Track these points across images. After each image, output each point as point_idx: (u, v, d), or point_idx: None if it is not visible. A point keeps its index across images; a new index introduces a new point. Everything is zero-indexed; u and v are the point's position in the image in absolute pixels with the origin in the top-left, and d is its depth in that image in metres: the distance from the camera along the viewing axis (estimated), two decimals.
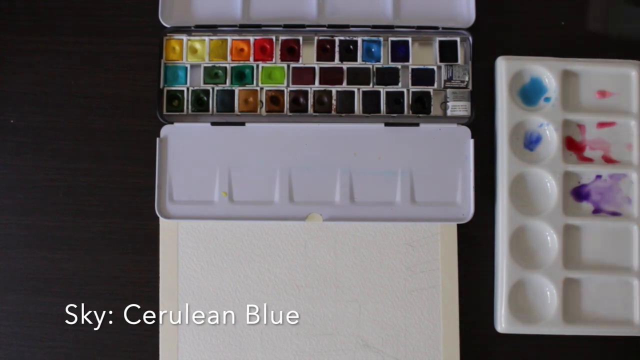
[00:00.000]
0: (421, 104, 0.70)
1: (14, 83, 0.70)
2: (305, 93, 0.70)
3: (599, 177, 0.69)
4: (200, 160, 0.69)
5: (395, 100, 0.70)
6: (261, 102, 0.70)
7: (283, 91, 0.70)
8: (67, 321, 0.69)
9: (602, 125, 0.69)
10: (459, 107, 0.69)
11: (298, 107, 0.70)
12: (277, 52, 0.70)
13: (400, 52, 0.70)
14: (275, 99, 0.70)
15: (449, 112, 0.69)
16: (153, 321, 0.68)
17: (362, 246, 0.69)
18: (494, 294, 0.69)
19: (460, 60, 0.70)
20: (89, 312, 0.69)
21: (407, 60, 0.70)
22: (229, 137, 0.69)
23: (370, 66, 0.70)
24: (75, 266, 0.69)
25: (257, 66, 0.70)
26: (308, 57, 0.70)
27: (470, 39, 0.69)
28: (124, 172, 0.70)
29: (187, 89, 0.70)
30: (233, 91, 0.70)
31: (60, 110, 0.70)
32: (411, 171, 0.69)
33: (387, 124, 0.69)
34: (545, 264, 0.68)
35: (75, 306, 0.69)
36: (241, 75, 0.70)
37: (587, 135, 0.69)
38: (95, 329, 0.69)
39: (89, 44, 0.71)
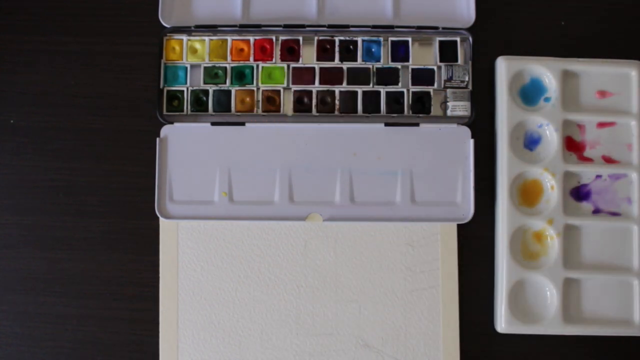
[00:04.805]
0: (421, 104, 0.70)
1: (14, 83, 0.70)
2: (310, 93, 0.70)
3: (599, 177, 0.69)
4: (200, 160, 0.69)
5: (395, 100, 0.70)
6: (259, 101, 0.70)
7: (279, 91, 0.70)
8: (67, 321, 0.69)
9: (602, 125, 0.69)
10: (459, 107, 0.69)
11: (302, 107, 0.70)
12: (277, 52, 0.70)
13: (400, 52, 0.70)
14: (271, 99, 0.70)
15: (449, 112, 0.69)
16: (153, 321, 0.68)
17: (362, 246, 0.69)
18: (494, 294, 0.69)
19: (460, 60, 0.70)
20: (89, 312, 0.69)
21: (407, 60, 0.70)
22: (229, 137, 0.69)
23: (370, 66, 0.70)
24: (75, 266, 0.69)
25: (257, 66, 0.70)
26: (308, 57, 0.70)
27: (470, 39, 0.69)
28: (124, 172, 0.70)
29: (187, 89, 0.70)
30: (230, 91, 0.70)
31: (60, 110, 0.70)
32: (411, 171, 0.69)
33: (387, 124, 0.69)
34: (545, 264, 0.68)
35: (75, 306, 0.69)
36: (241, 76, 0.70)
37: (587, 135, 0.69)
38: (95, 329, 0.69)
39: (89, 44, 0.71)
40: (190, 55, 0.70)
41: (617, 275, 0.68)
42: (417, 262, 0.68)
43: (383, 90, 0.70)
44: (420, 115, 0.70)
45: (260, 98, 0.70)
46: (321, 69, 0.70)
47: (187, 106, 0.70)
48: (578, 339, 0.68)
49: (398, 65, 0.70)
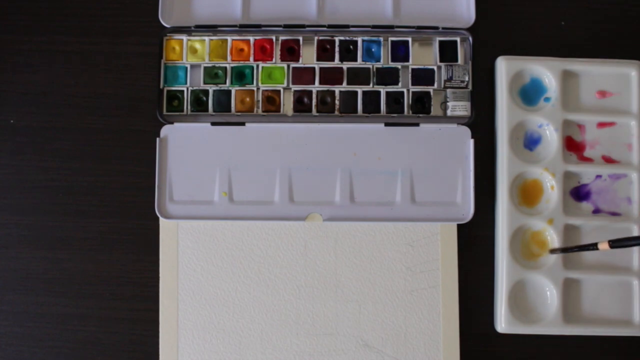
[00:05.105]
0: (421, 104, 0.70)
1: (14, 83, 0.70)
2: (310, 93, 0.70)
3: (599, 177, 0.69)
4: (200, 160, 0.69)
5: (395, 100, 0.70)
6: (259, 101, 0.70)
7: (279, 91, 0.70)
8: (67, 321, 0.69)
9: (602, 125, 0.69)
10: (459, 107, 0.69)
11: (302, 107, 0.70)
12: (277, 52, 0.70)
13: (400, 52, 0.70)
14: (271, 99, 0.70)
15: (449, 112, 0.69)
16: (153, 321, 0.68)
17: (362, 246, 0.69)
18: (494, 294, 0.69)
19: (460, 60, 0.70)
20: (89, 312, 0.69)
21: (407, 60, 0.70)
22: (229, 137, 0.69)
23: (370, 66, 0.70)
24: (75, 266, 0.69)
25: (257, 66, 0.70)
26: (308, 57, 0.70)
27: (470, 39, 0.69)
28: (124, 172, 0.70)
29: (187, 89, 0.70)
30: (230, 91, 0.70)
31: (60, 110, 0.70)
32: (411, 171, 0.69)
33: (387, 124, 0.69)
34: (545, 264, 0.68)
35: (75, 306, 0.69)
36: (241, 75, 0.70)
37: (587, 135, 0.69)
38: (95, 329, 0.69)
39: (89, 44, 0.71)
40: (190, 55, 0.70)
41: (617, 275, 0.68)
42: (417, 262, 0.68)
43: (383, 90, 0.70)
44: (420, 115, 0.70)
45: (260, 98, 0.70)
46: (321, 69, 0.70)
47: (187, 106, 0.70)
48: (578, 339, 0.68)
49: (398, 65, 0.70)
